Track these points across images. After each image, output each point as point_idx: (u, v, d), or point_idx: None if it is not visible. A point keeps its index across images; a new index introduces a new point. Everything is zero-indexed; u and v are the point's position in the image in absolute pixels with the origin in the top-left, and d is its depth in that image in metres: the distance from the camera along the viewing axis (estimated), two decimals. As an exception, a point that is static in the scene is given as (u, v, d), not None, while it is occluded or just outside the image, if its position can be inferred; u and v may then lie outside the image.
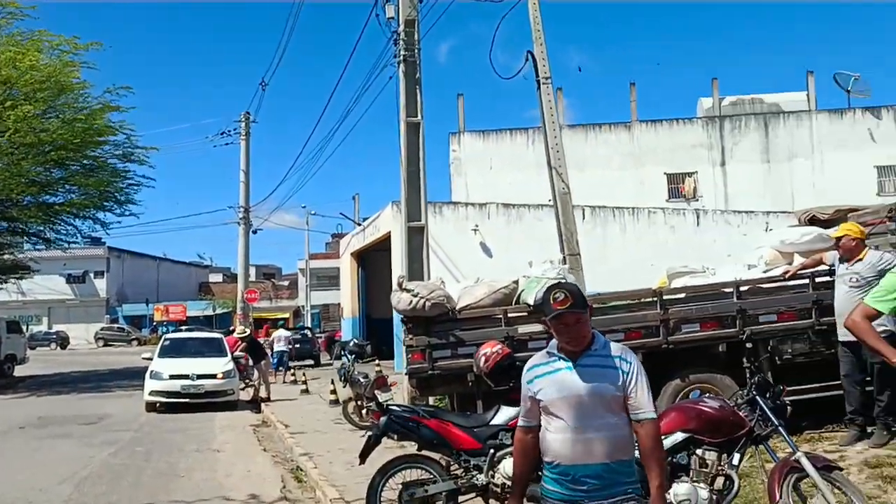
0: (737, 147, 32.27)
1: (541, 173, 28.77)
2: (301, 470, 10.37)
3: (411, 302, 8.20)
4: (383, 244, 25.04)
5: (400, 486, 6.62)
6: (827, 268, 8.35)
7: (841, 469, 5.67)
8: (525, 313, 8.41)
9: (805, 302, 8.42)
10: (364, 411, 12.89)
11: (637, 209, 24.48)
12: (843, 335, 7.68)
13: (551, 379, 3.84)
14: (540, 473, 4.03)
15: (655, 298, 8.41)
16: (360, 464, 6.97)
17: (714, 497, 5.43)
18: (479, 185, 31.01)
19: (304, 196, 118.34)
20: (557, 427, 3.79)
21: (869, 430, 7.76)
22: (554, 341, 3.97)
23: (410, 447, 7.22)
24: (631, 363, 3.83)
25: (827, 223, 9.44)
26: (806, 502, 5.43)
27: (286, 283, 75.08)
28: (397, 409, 6.96)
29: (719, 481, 5.51)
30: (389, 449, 8.29)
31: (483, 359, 6.86)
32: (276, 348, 25.88)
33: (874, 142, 31.88)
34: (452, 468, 6.73)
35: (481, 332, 8.29)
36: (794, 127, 32.39)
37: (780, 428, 5.60)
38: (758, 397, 5.69)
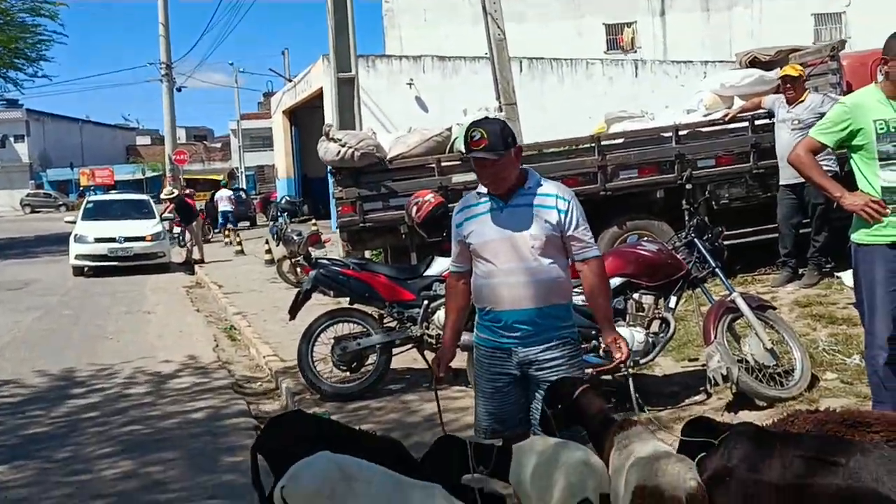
0: (676, -4, 31.52)
1: (477, 25, 27.62)
2: (234, 329, 10.19)
3: (339, 152, 7.78)
4: (316, 100, 24.12)
5: (332, 341, 6.46)
6: (765, 111, 8.17)
7: (774, 308, 5.67)
8: (458, 162, 8.08)
9: (744, 145, 8.27)
10: (298, 269, 12.64)
11: (575, 61, 23.91)
12: (786, 179, 7.60)
13: (482, 220, 3.57)
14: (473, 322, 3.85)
15: (593, 144, 8.15)
16: (290, 319, 6.77)
17: (650, 340, 5.38)
18: (413, 38, 29.78)
19: (232, 54, 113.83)
20: (489, 271, 3.55)
21: (800, 271, 7.82)
22: None
23: (345, 303, 7.04)
24: (568, 201, 3.57)
25: (768, 65, 9.17)
26: (739, 341, 5.42)
27: (218, 144, 73.05)
28: (327, 262, 6.70)
29: (655, 324, 5.45)
30: (324, 305, 8.12)
31: (415, 208, 6.57)
32: (220, 208, 25.74)
33: (814, -12, 31.43)
34: (385, 321, 6.58)
35: (414, 182, 7.97)
36: (736, -25, 31.64)
37: (717, 270, 5.52)
38: (696, 240, 5.57)
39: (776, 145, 7.76)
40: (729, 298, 5.37)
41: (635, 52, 30.69)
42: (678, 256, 5.55)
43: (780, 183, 7.72)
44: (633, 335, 5.21)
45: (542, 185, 3.61)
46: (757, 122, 8.25)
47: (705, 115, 8.77)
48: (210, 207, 26.47)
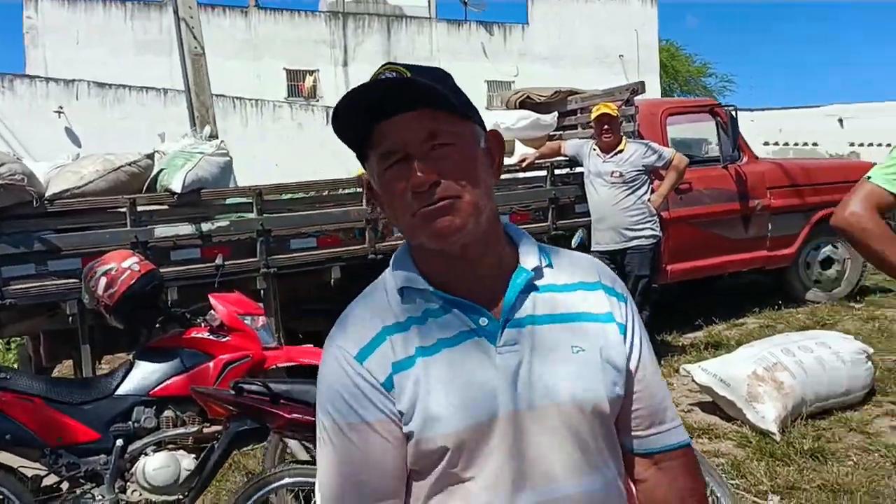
0: (360, 47, 30.94)
1: (143, 55, 24.35)
2: None
3: (-40, 182, 4.67)
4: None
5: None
6: (566, 158, 6.61)
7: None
8: (165, 206, 5.35)
9: (541, 200, 6.56)
10: None
11: (261, 101, 21.76)
12: (604, 244, 6.03)
13: (445, 368, 1.18)
14: None
15: (360, 189, 5.88)
16: None
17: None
18: (62, 61, 25.33)
19: None
20: (476, 499, 1.18)
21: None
22: (399, 257, 1.32)
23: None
24: (626, 300, 1.34)
25: (542, 107, 7.71)
26: None
27: None
28: (-74, 379, 3.62)
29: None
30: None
31: (104, 281, 3.77)
32: None
33: (486, 57, 32.69)
34: (44, 481, 3.68)
35: (91, 235, 5.07)
36: (416, 33, 32.00)
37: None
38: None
39: (590, 201, 6.17)
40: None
41: (317, 100, 29.31)
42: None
43: (594, 249, 6.11)
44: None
45: (557, 262, 1.34)
46: (556, 172, 6.61)
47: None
48: None
